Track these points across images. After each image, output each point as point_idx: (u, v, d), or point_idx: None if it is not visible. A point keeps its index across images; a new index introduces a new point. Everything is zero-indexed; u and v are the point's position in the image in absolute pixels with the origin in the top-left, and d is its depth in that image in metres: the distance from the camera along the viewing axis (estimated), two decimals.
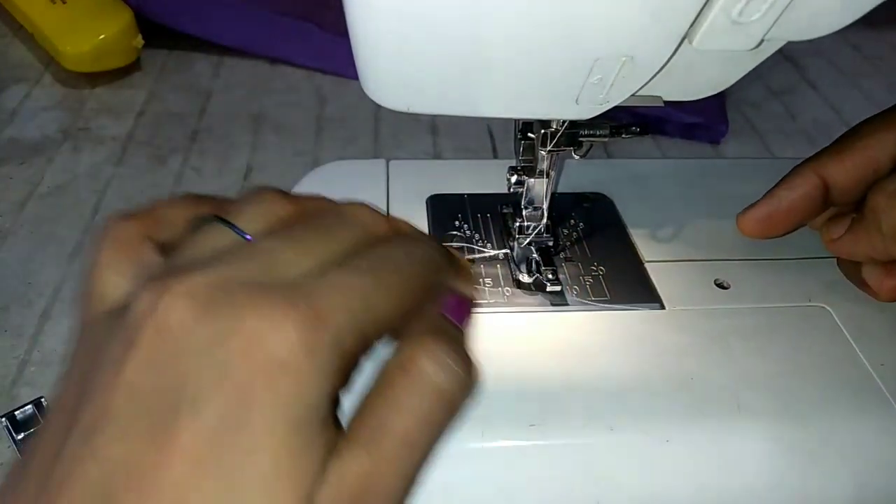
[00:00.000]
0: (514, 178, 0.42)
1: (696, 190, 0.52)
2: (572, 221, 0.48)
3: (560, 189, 0.51)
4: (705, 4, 0.27)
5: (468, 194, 0.50)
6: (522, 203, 0.43)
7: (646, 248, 0.46)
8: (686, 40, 0.29)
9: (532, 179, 0.42)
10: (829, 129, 0.81)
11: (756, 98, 0.87)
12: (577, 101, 0.33)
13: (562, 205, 0.49)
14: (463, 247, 0.46)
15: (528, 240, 0.43)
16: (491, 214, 0.48)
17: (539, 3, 0.27)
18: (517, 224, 0.44)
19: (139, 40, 0.82)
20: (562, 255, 0.46)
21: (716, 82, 0.34)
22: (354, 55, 0.32)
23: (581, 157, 0.40)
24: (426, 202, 0.49)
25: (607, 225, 0.48)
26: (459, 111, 0.34)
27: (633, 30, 0.28)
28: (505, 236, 0.46)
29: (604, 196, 0.51)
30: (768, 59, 0.32)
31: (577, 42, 0.29)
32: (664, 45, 0.29)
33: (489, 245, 0.46)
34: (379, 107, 0.34)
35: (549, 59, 0.30)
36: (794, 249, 0.46)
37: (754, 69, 0.33)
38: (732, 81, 0.34)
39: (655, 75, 0.31)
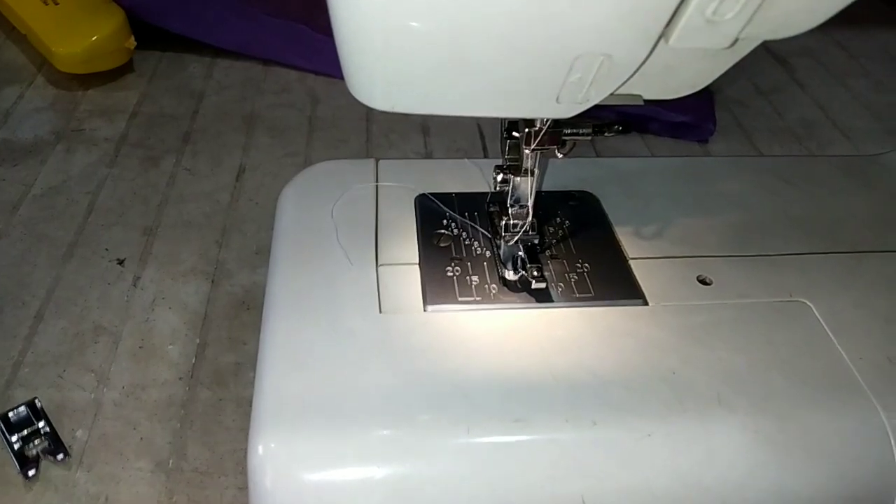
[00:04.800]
0: (500, 177, 0.43)
1: (681, 187, 0.52)
2: (558, 219, 0.49)
3: (547, 187, 0.52)
4: (680, 4, 0.27)
5: (456, 193, 0.50)
6: (509, 201, 0.44)
7: (630, 245, 0.47)
8: (662, 39, 0.29)
9: (518, 178, 0.42)
10: (815, 127, 0.82)
11: (744, 96, 0.88)
12: (557, 99, 0.33)
13: (548, 203, 0.50)
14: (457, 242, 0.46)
15: (514, 238, 0.44)
16: (478, 213, 0.49)
17: (519, 2, 0.28)
18: (503, 222, 0.44)
19: (132, 42, 0.83)
20: (547, 252, 0.46)
21: (694, 81, 0.34)
22: (339, 55, 0.33)
23: (564, 155, 0.40)
24: (415, 201, 0.50)
25: (593, 222, 0.49)
26: (443, 110, 0.35)
27: (610, 28, 0.29)
28: (492, 234, 0.47)
29: (590, 194, 0.51)
30: (756, 58, 0.32)
31: (557, 40, 0.29)
32: (640, 44, 0.30)
33: (476, 243, 0.47)
34: (370, 108, 0.35)
35: (530, 57, 0.30)
36: (776, 245, 0.47)
37: (743, 68, 0.33)
38: (711, 80, 0.34)
39: (634, 74, 0.31)
